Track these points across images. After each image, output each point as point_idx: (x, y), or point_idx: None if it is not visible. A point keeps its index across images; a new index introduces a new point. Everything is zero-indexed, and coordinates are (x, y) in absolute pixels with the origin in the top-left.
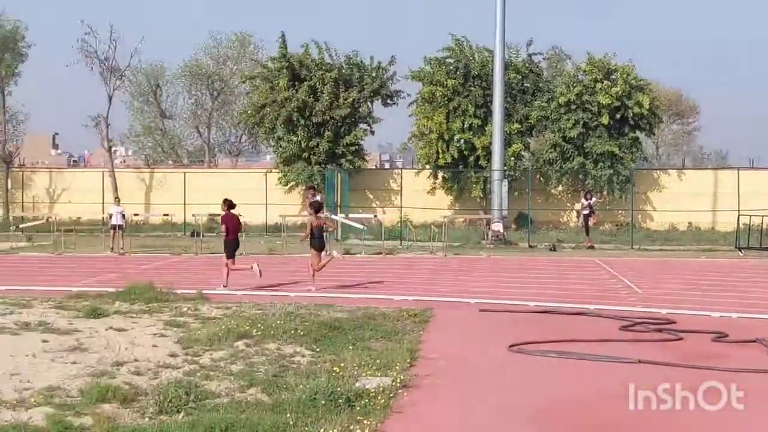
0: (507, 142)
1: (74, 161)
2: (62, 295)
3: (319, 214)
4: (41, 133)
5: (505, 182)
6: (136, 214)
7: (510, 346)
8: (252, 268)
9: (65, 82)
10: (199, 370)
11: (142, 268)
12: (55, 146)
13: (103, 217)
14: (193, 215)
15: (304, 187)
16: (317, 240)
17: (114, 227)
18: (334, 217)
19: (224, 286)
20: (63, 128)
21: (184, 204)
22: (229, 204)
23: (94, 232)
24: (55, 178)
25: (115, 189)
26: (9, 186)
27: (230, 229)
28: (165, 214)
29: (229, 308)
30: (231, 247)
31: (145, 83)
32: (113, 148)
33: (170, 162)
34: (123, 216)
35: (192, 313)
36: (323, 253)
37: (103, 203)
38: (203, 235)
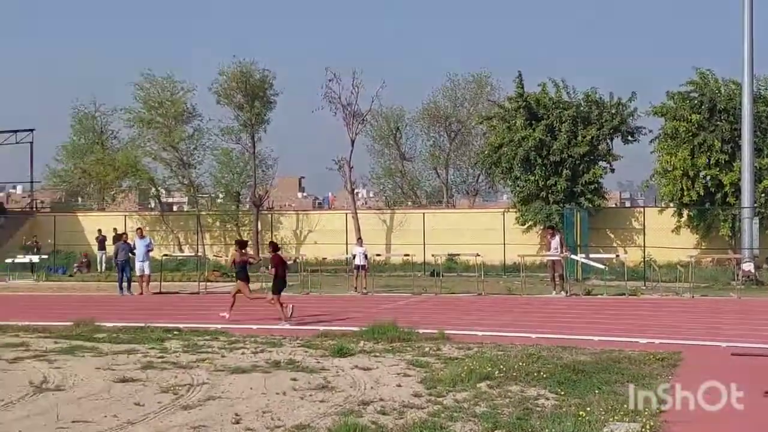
0: (757, 178)
1: (319, 203)
2: (310, 334)
3: (243, 251)
4: (289, 177)
5: (756, 220)
6: (377, 255)
7: (766, 392)
8: (288, 306)
9: (311, 128)
10: (443, 410)
11: (384, 308)
12: (302, 189)
13: (346, 258)
14: (432, 255)
15: (542, 227)
16: (241, 272)
17: (357, 267)
18: (573, 256)
19: (285, 320)
20: (309, 172)
21: (424, 244)
22: (273, 246)
23: (338, 272)
24: (301, 219)
25: (358, 230)
26: (259, 228)
27: (278, 269)
28: (405, 255)
29: (471, 349)
30: (279, 285)
31: (385, 127)
32: (355, 190)
33: (409, 203)
34: (366, 256)
35: (434, 353)
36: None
37: (346, 244)
38: (442, 275)
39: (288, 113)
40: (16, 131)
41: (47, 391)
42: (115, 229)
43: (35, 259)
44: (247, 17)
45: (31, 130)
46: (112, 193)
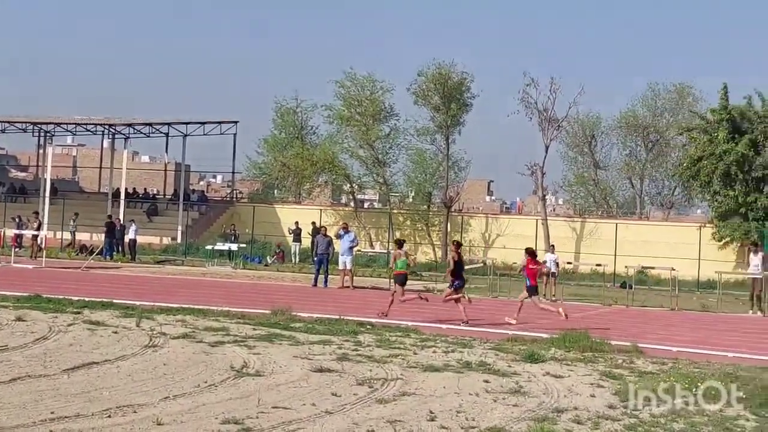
0: None
1: (506, 208)
2: (499, 338)
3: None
4: (478, 179)
5: None
6: (568, 263)
7: None
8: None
9: (503, 131)
10: (639, 424)
11: (573, 317)
12: (490, 192)
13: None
14: (625, 267)
15: (739, 244)
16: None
17: (547, 274)
18: None
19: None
20: (497, 175)
21: (615, 255)
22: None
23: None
24: (491, 223)
25: (548, 236)
26: (448, 229)
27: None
28: (597, 264)
29: (665, 364)
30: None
31: (580, 134)
32: (545, 197)
33: (600, 212)
34: (557, 264)
35: (627, 366)
36: None
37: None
38: (633, 287)
39: (480, 115)
40: (221, 122)
41: (247, 376)
42: (313, 223)
43: (233, 247)
44: (446, 19)
45: (236, 122)
46: (308, 187)
